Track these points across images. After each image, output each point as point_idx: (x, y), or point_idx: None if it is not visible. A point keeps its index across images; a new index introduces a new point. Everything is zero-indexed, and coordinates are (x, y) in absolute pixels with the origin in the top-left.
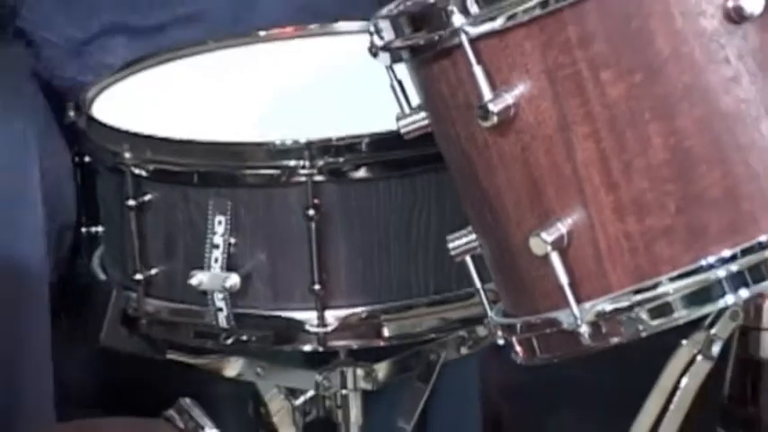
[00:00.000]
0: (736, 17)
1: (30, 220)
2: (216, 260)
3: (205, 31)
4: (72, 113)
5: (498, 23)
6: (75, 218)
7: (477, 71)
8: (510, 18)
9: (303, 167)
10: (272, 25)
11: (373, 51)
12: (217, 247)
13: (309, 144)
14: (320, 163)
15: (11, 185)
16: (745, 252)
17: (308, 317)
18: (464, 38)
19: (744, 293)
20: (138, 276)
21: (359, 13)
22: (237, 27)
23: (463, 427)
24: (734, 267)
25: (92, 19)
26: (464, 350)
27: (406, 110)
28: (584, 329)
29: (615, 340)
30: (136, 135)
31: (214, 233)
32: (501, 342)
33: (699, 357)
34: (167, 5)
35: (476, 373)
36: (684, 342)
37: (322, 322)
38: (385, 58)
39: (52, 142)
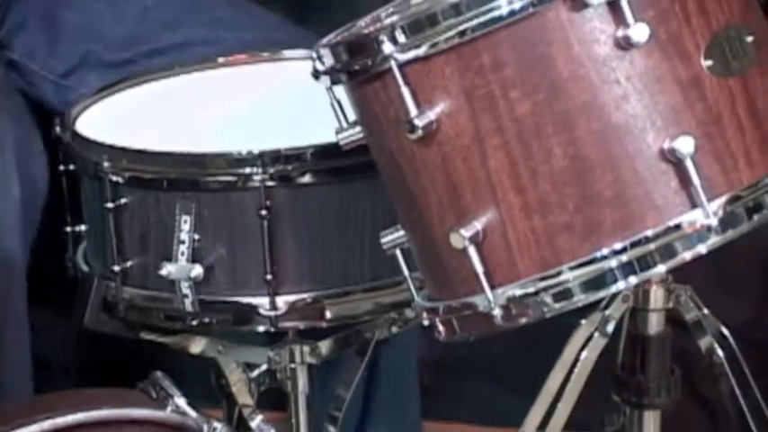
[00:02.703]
0: (624, 44)
1: (9, 215)
2: (182, 253)
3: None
4: (58, 129)
5: (422, 51)
6: (41, 213)
7: (405, 91)
8: (432, 46)
9: (257, 174)
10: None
11: (315, 75)
12: (183, 242)
13: (262, 154)
14: (271, 170)
15: None
16: (633, 245)
17: (262, 302)
18: (393, 63)
19: (633, 280)
20: (116, 268)
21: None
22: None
23: (404, 397)
24: (624, 258)
25: (69, 52)
26: (394, 329)
27: (344, 125)
28: (497, 312)
29: (523, 321)
30: (113, 147)
31: (181, 230)
32: (426, 322)
33: (596, 334)
34: (138, 42)
35: (415, 350)
36: (583, 321)
37: (273, 306)
38: (326, 80)
39: (31, 145)
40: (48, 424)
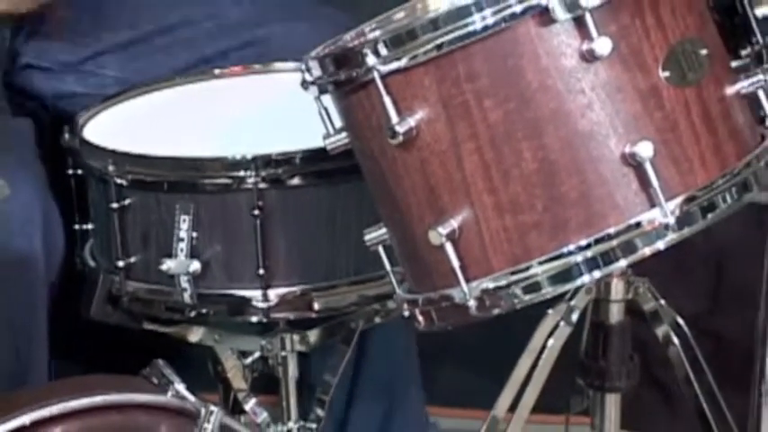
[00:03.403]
0: (589, 57)
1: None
2: (182, 250)
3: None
4: (67, 136)
5: (403, 63)
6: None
7: (387, 100)
8: (412, 58)
9: (250, 177)
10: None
11: (305, 85)
12: (182, 239)
13: (255, 158)
14: (263, 173)
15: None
16: (597, 242)
17: (255, 294)
18: (376, 74)
19: (596, 274)
20: (121, 263)
21: None
22: (210, 32)
23: (392, 377)
24: (589, 254)
25: (82, 44)
26: (377, 319)
27: (331, 131)
28: (472, 303)
29: (496, 311)
30: (118, 153)
31: (180, 229)
32: (406, 313)
33: (561, 323)
34: (152, 18)
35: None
36: (550, 311)
37: (266, 299)
38: (314, 90)
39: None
40: (56, 408)
